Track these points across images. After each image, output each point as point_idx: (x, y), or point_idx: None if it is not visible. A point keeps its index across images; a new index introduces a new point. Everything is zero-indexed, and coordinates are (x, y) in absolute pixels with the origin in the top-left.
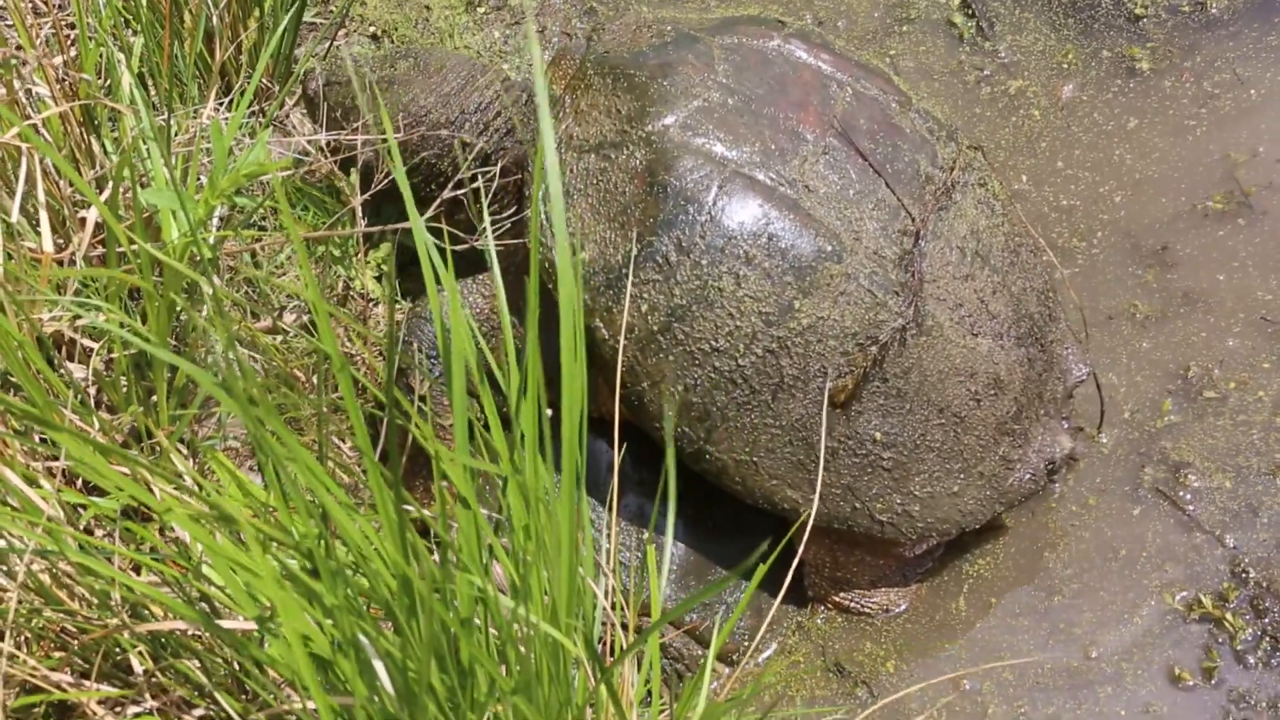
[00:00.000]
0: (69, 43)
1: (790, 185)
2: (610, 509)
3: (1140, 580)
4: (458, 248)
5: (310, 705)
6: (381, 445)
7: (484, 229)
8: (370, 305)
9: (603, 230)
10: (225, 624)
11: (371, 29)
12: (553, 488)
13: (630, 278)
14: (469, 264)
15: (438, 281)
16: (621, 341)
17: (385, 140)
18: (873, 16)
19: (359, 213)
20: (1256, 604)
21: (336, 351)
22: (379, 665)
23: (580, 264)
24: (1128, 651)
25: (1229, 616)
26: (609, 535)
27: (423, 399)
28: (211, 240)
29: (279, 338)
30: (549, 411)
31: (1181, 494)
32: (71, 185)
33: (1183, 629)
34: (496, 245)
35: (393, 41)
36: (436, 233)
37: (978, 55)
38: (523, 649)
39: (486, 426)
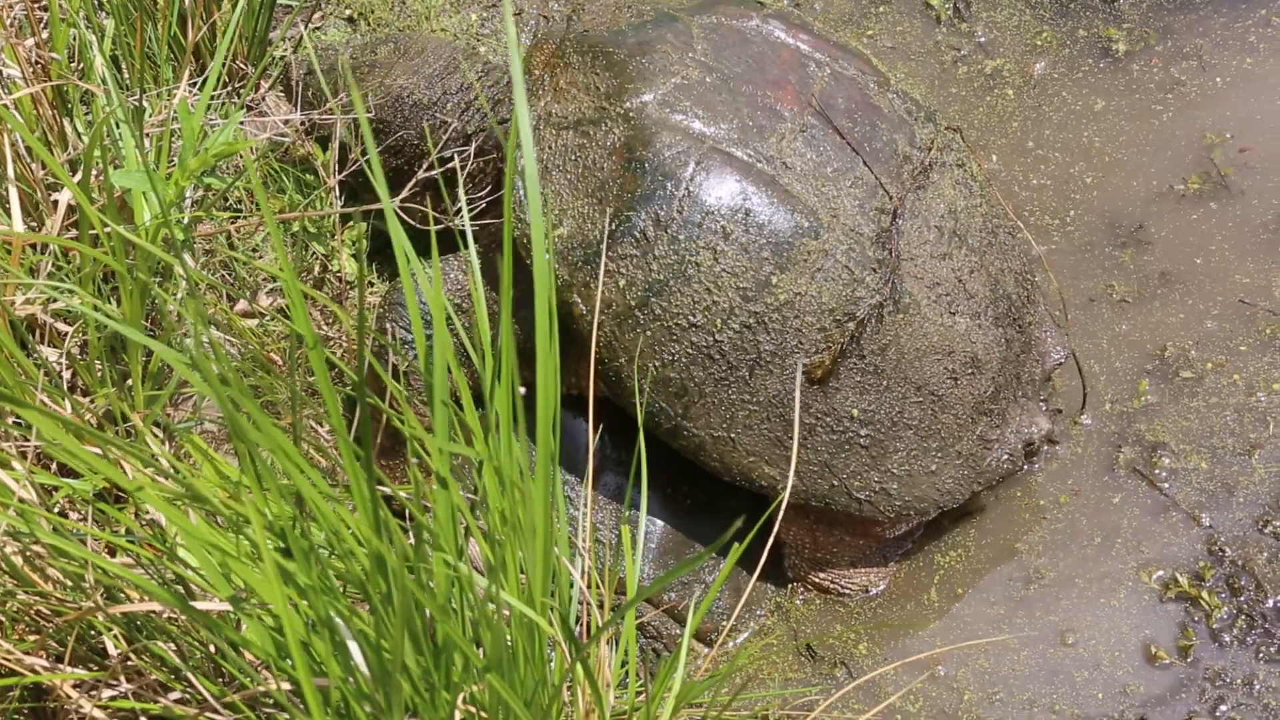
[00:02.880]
0: (40, 25)
1: (768, 162)
2: (587, 487)
3: (1117, 562)
4: (437, 228)
5: (285, 686)
6: (356, 425)
7: (459, 208)
8: (348, 287)
9: (581, 206)
10: (200, 605)
11: (348, 11)
12: (527, 468)
13: (608, 253)
14: (452, 244)
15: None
16: (597, 317)
17: (361, 118)
18: None
19: (336, 192)
20: (1232, 582)
21: (310, 330)
22: (353, 645)
23: (558, 239)
24: (1105, 633)
25: (1205, 595)
26: (585, 514)
27: (404, 375)
28: (185, 221)
29: (255, 321)
30: (523, 390)
31: (1158, 474)
32: (43, 168)
33: (1159, 608)
34: (474, 224)
35: (369, 24)
36: (414, 213)
37: (955, 36)
38: (496, 627)
39: (461, 404)
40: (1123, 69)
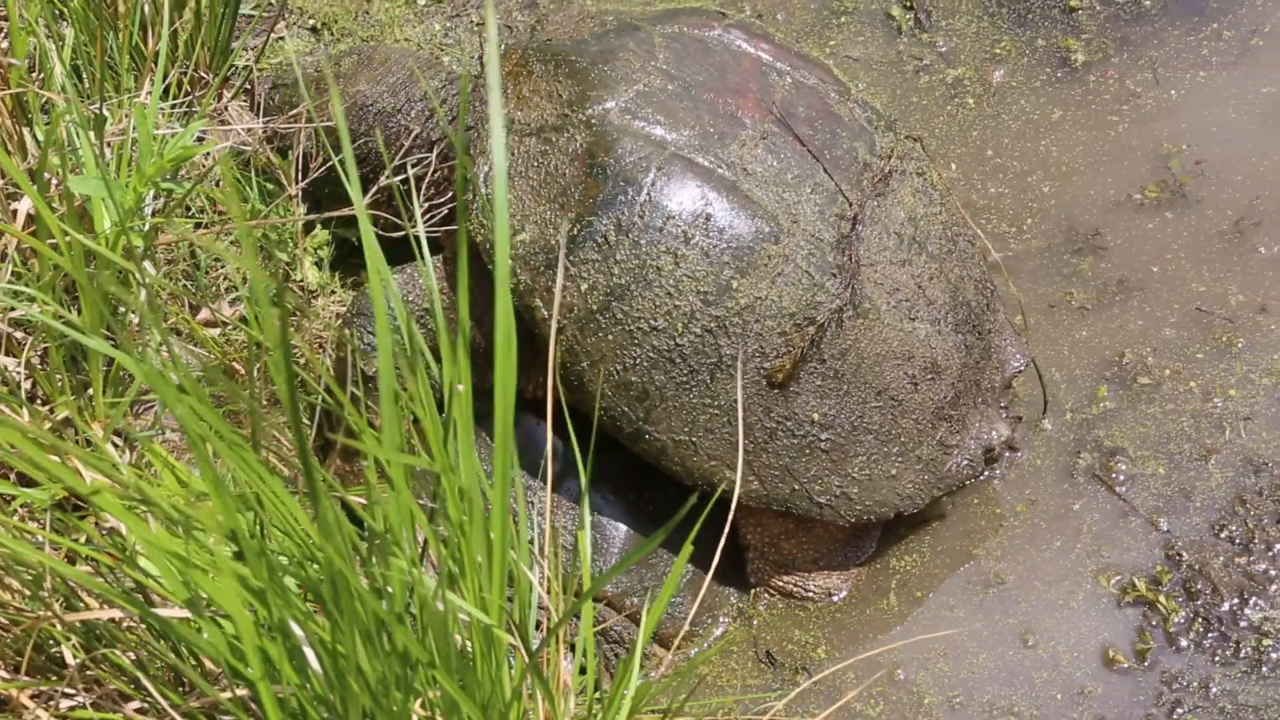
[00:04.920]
0: None
1: (729, 168)
2: (548, 492)
3: (1076, 567)
4: (399, 234)
5: (241, 692)
6: (315, 431)
7: (421, 214)
8: (310, 296)
9: (543, 211)
10: (160, 612)
11: (311, 21)
12: (482, 475)
13: (569, 257)
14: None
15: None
16: (557, 321)
17: (323, 126)
18: (809, 9)
19: (298, 200)
20: (1189, 586)
21: (275, 335)
22: (307, 649)
23: (521, 245)
24: (1064, 636)
25: (1162, 599)
26: (544, 517)
27: (370, 380)
28: (146, 228)
29: (217, 330)
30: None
31: (1116, 479)
32: (2, 176)
33: (1117, 612)
34: (436, 231)
35: (332, 34)
36: (377, 220)
37: (916, 46)
38: (441, 624)
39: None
40: (1080, 79)
